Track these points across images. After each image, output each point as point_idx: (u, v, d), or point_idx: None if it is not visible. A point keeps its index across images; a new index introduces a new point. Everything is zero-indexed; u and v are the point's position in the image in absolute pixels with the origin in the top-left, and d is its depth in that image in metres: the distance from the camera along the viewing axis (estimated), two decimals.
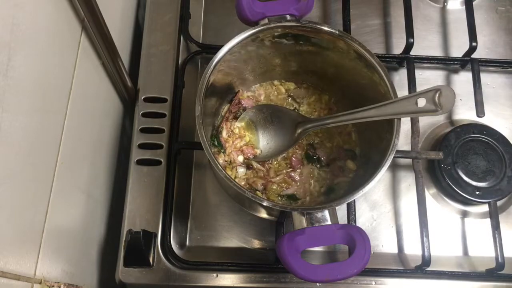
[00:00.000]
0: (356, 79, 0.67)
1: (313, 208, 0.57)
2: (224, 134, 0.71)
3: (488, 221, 0.70)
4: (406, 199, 0.74)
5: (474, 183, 0.72)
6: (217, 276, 0.67)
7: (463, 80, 0.81)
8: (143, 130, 0.73)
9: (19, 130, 0.46)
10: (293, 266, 0.53)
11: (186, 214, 0.71)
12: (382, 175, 0.57)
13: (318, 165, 0.71)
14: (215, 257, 0.69)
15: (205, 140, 0.57)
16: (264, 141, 0.71)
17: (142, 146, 0.72)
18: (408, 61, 0.78)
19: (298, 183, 0.70)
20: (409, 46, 0.77)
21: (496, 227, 0.69)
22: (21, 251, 0.48)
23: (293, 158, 0.71)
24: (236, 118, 0.72)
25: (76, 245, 0.63)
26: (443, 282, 0.68)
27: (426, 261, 0.66)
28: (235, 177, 0.69)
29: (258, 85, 0.75)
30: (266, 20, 0.63)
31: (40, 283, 0.51)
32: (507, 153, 0.73)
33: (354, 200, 0.69)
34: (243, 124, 0.72)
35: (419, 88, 0.74)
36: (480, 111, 0.74)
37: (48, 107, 0.52)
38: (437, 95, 0.57)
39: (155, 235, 0.68)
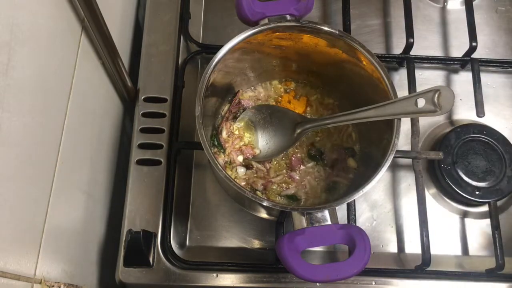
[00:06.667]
0: (356, 79, 0.67)
1: (313, 208, 0.57)
2: (224, 134, 0.71)
3: (488, 221, 0.70)
4: (406, 199, 0.74)
5: (474, 183, 0.72)
6: (217, 276, 0.67)
7: (463, 80, 0.81)
8: (143, 130, 0.73)
9: (19, 130, 0.46)
10: (293, 266, 0.53)
11: (186, 214, 0.72)
12: (382, 175, 0.57)
13: (321, 164, 0.71)
14: (215, 257, 0.69)
15: (205, 140, 0.57)
16: (263, 141, 0.71)
17: (142, 146, 0.72)
18: (408, 61, 0.78)
19: (298, 183, 0.70)
20: (409, 46, 0.77)
21: (496, 227, 0.69)
22: (21, 251, 0.48)
23: (293, 158, 0.71)
24: (236, 118, 0.72)
25: (76, 245, 0.63)
26: (443, 282, 0.68)
27: (426, 261, 0.66)
28: (235, 177, 0.69)
29: (258, 85, 0.75)
30: (266, 20, 0.63)
31: (40, 283, 0.51)
32: (507, 153, 0.73)
33: (354, 200, 0.69)
34: (242, 124, 0.72)
35: (419, 88, 0.74)
36: (480, 111, 0.74)
37: (48, 107, 0.52)
38: (436, 95, 0.57)
39: (155, 235, 0.68)
